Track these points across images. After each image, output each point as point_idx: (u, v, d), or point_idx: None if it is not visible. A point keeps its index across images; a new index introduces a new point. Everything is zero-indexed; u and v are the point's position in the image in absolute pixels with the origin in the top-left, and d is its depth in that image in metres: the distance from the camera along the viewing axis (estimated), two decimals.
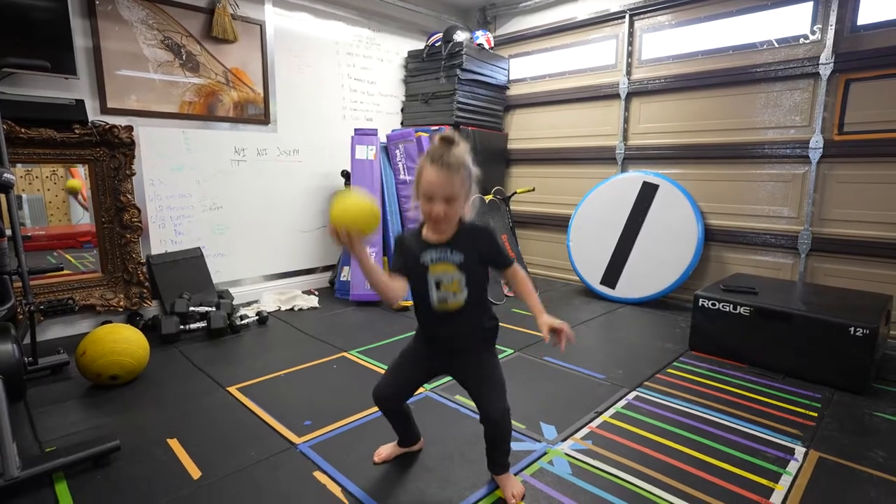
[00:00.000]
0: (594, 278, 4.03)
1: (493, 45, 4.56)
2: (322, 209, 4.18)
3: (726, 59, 3.54)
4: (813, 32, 3.19)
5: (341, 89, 4.20)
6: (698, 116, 3.70)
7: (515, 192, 4.42)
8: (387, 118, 4.57)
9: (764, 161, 3.44)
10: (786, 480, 1.71)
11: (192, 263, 3.46)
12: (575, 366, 2.65)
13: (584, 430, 2.01)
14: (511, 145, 4.82)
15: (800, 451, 1.89)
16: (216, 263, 3.60)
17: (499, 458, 1.63)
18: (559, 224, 4.47)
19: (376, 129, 4.01)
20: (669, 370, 2.62)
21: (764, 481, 1.71)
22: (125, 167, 3.07)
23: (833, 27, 3.08)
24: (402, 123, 4.67)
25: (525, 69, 4.70)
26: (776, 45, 3.34)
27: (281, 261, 4.00)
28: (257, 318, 3.26)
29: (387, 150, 4.07)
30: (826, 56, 3.11)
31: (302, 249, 4.12)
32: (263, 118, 3.75)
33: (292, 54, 3.86)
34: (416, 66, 4.51)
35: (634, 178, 3.91)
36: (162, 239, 3.36)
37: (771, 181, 3.43)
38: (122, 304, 3.11)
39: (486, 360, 1.60)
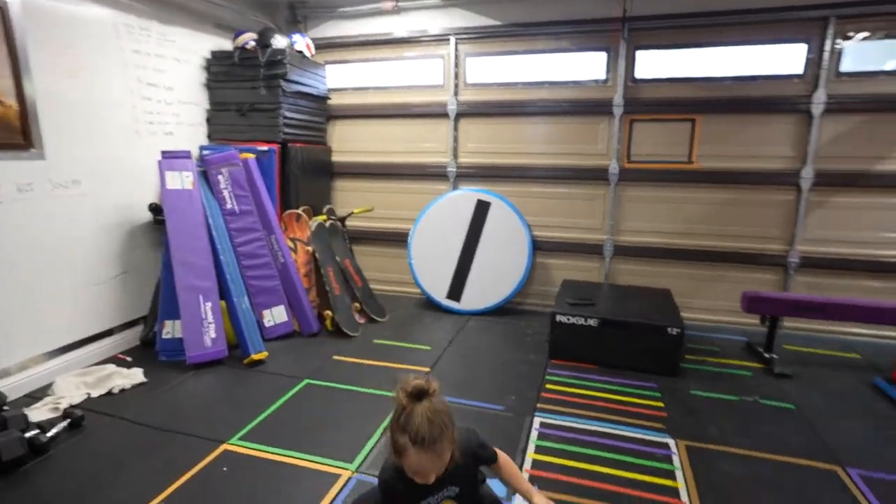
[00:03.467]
0: (440, 293, 4.19)
1: (313, 52, 4.17)
2: (121, 250, 3.29)
3: (542, 90, 4.01)
4: (606, 79, 3.87)
5: (131, 96, 3.30)
6: (521, 140, 4.13)
7: (352, 213, 4.23)
8: (190, 131, 3.79)
9: (576, 182, 4.06)
10: (679, 476, 2.16)
11: None
12: (473, 401, 2.76)
13: (524, 476, 2.15)
14: (336, 158, 4.56)
15: (671, 443, 2.40)
16: None
17: None
18: (397, 239, 4.47)
19: (189, 152, 3.32)
20: (548, 386, 2.96)
21: (667, 482, 2.12)
22: None
23: (622, 76, 3.78)
24: (209, 137, 3.94)
25: (345, 78, 4.46)
26: (580, 85, 3.93)
27: (69, 328, 3.02)
28: (67, 421, 2.43)
29: (206, 176, 3.41)
30: (618, 99, 3.81)
31: (96, 307, 3.18)
32: (23, 141, 2.71)
33: (59, 52, 2.86)
34: (224, 69, 3.83)
35: (469, 195, 4.16)
36: None
37: (581, 199, 4.08)
38: None
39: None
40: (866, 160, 3.48)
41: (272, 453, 2.27)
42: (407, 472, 1.36)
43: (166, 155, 3.23)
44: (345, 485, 2.06)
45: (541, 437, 2.44)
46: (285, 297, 3.60)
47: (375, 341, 3.57)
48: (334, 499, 1.99)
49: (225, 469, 2.17)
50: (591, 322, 3.19)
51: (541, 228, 4.19)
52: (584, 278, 4.14)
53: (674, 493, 2.06)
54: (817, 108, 3.48)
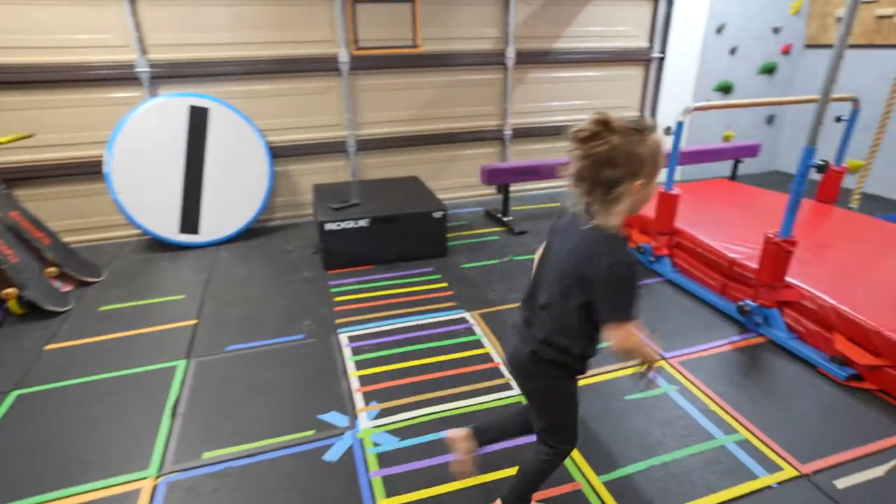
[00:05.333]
0: (170, 228, 3.40)
1: None
2: None
3: None
4: None
5: None
6: (232, 26, 3.39)
7: None
8: None
9: (304, 75, 3.63)
10: (485, 341, 2.42)
11: None
12: (267, 339, 2.44)
13: (358, 398, 2.05)
14: None
15: (466, 315, 2.64)
16: None
17: None
18: (87, 171, 3.34)
19: None
20: (337, 299, 2.82)
21: (478, 351, 2.35)
22: None
23: None
24: None
25: None
26: None
27: None
28: None
29: None
30: None
31: None
32: None
33: None
34: None
35: (177, 102, 3.30)
36: None
37: (313, 94, 3.70)
38: None
39: None
40: (549, 39, 4.10)
41: None
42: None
43: None
44: (152, 496, 1.61)
45: (354, 352, 2.35)
46: None
47: (102, 308, 2.74)
48: None
49: None
50: (362, 223, 3.10)
51: (276, 132, 3.70)
52: (333, 180, 3.94)
53: (486, 357, 2.30)
54: None
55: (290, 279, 3.05)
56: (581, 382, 2.13)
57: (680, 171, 4.88)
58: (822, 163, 2.21)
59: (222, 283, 3.03)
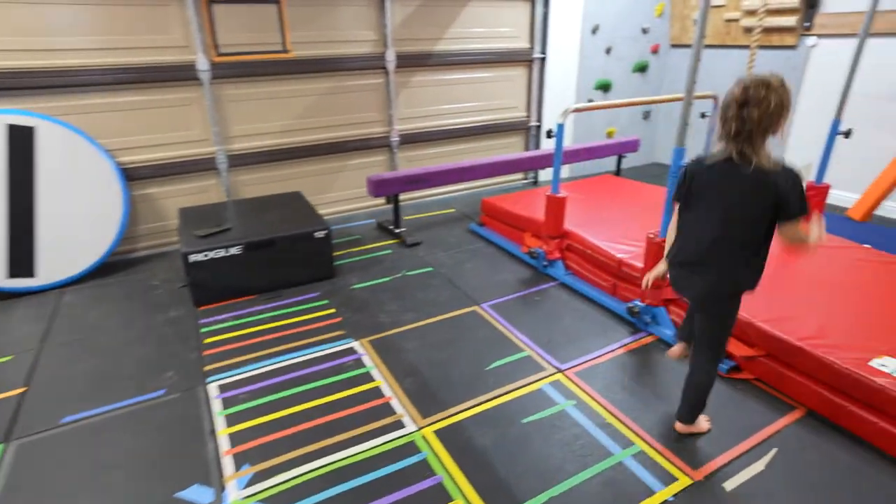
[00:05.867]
0: None
1: None
2: None
3: None
4: None
5: None
6: (60, 30, 2.86)
7: None
8: None
9: (158, 86, 3.18)
10: (375, 374, 2.22)
11: None
12: (120, 402, 2.06)
13: (227, 463, 1.77)
14: None
15: (355, 345, 2.42)
16: None
17: None
18: None
19: None
20: (207, 341, 2.47)
21: (368, 385, 2.14)
22: None
23: None
24: None
25: None
26: None
27: None
28: None
29: None
30: None
31: None
32: None
33: None
34: None
35: None
36: None
37: (172, 106, 3.26)
38: None
39: None
40: (430, 41, 3.97)
41: None
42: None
43: None
44: None
45: (225, 404, 2.05)
46: None
47: None
48: None
49: None
50: (234, 250, 2.77)
51: (129, 152, 3.22)
52: (203, 201, 3.52)
53: (376, 392, 2.10)
54: None
55: (153, 321, 2.65)
56: (477, 410, 2.02)
57: (568, 169, 4.99)
58: None
59: (66, 334, 2.55)
